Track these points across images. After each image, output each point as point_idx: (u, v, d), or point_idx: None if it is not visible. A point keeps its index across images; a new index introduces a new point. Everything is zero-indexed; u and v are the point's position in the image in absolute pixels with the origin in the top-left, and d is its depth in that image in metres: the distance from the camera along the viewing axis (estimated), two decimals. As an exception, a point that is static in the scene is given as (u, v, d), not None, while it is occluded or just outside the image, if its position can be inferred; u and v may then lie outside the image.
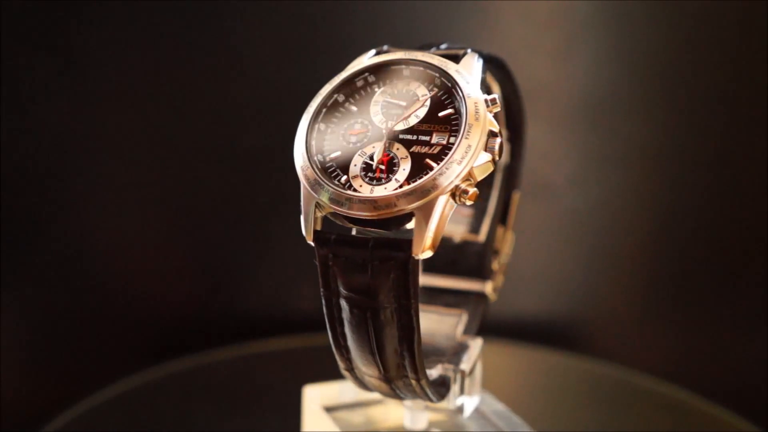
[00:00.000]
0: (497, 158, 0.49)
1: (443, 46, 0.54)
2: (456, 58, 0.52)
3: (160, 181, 0.90)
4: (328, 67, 0.56)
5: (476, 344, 0.61)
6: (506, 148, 0.65)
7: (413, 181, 0.48)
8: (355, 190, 0.49)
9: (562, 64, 0.90)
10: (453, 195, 0.48)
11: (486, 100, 0.49)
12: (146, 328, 0.91)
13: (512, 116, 0.64)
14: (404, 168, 0.49)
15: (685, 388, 0.83)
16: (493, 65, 0.58)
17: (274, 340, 0.88)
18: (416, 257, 0.48)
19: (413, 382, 0.53)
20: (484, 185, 0.65)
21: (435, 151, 0.49)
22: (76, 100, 0.85)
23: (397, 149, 0.50)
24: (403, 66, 0.53)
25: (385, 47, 0.55)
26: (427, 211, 0.48)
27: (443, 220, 0.48)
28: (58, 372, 0.85)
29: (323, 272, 0.50)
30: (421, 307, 0.64)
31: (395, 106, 0.52)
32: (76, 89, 0.85)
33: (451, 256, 0.66)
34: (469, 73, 0.51)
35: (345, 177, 0.50)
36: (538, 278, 0.94)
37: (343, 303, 0.51)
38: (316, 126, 0.53)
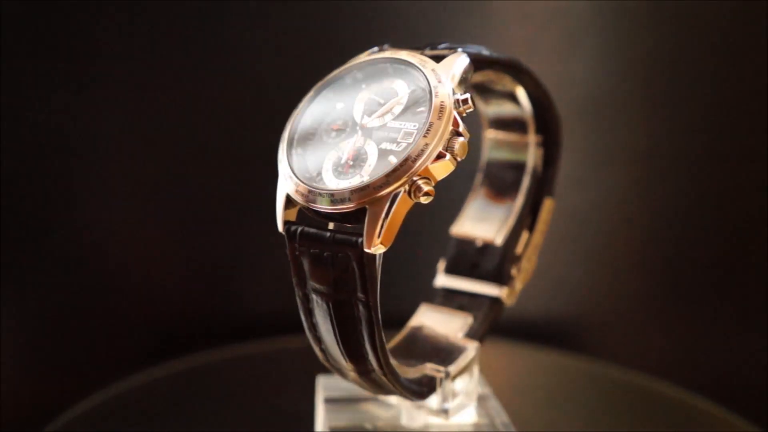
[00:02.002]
0: (458, 158, 0.49)
1: (441, 46, 0.55)
2: (441, 58, 0.53)
3: (160, 181, 0.90)
4: (330, 68, 0.56)
5: (471, 349, 0.61)
6: (538, 152, 0.65)
7: (372, 177, 0.49)
8: (323, 183, 0.51)
9: (561, 64, 0.90)
10: (409, 192, 0.48)
11: (457, 100, 0.50)
12: (146, 327, 0.91)
13: (542, 119, 0.64)
14: (370, 164, 0.50)
15: (685, 388, 0.83)
16: (507, 68, 0.59)
17: (274, 340, 0.88)
18: (368, 252, 0.48)
19: (381, 377, 0.54)
20: (509, 189, 0.66)
21: (400, 148, 0.50)
22: (76, 100, 0.85)
23: (369, 145, 0.51)
24: (388, 64, 0.54)
25: (386, 46, 0.56)
26: (378, 206, 0.48)
27: (396, 217, 0.48)
28: (58, 372, 0.85)
29: (294, 263, 0.52)
30: (431, 307, 0.65)
31: (376, 103, 0.53)
32: (77, 89, 0.85)
33: (472, 259, 0.66)
34: (445, 72, 0.51)
35: (318, 170, 0.52)
36: (538, 278, 0.94)
37: (312, 293, 0.52)
38: (304, 120, 0.54)
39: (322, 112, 0.54)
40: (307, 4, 0.88)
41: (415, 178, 0.48)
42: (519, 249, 0.66)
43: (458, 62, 0.52)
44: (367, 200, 0.48)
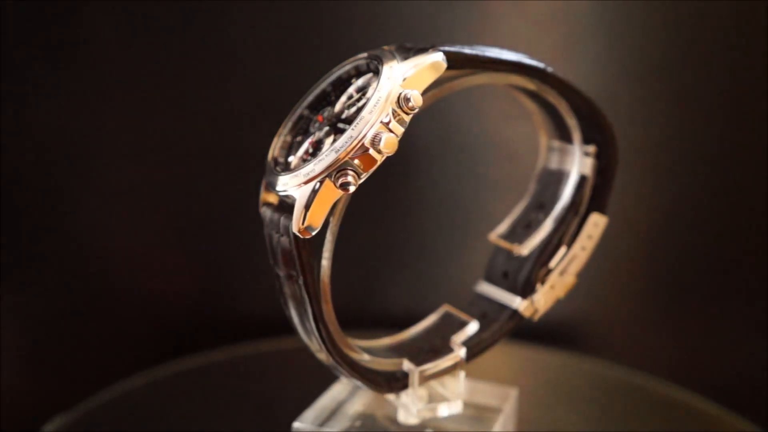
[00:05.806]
0: (384, 153, 0.50)
1: (444, 47, 0.54)
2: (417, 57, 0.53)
3: (160, 181, 0.90)
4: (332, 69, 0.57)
5: (457, 354, 0.61)
6: (587, 163, 0.63)
7: (304, 166, 0.51)
8: (289, 170, 0.53)
9: (562, 64, 0.90)
10: (334, 181, 0.50)
11: (399, 97, 0.50)
12: (147, 328, 0.91)
13: (587, 128, 0.62)
14: (324, 153, 0.51)
15: (685, 388, 0.83)
16: (519, 71, 0.58)
17: (274, 340, 0.88)
18: (294, 233, 0.51)
19: (329, 359, 0.56)
20: (550, 199, 0.64)
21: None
22: (76, 101, 0.85)
23: (330, 136, 0.53)
24: (370, 62, 0.55)
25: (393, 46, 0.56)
26: (304, 193, 0.50)
27: (319, 203, 0.50)
28: (58, 372, 0.85)
29: (267, 243, 0.55)
30: (451, 309, 0.65)
31: (352, 97, 0.54)
32: (77, 89, 0.85)
33: (503, 267, 0.65)
34: (403, 70, 0.51)
35: (292, 158, 0.54)
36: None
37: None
38: (299, 111, 0.56)
39: (317, 104, 0.56)
40: (313, 5, 0.88)
41: (347, 167, 0.49)
42: (552, 263, 0.64)
43: (421, 60, 0.52)
44: (297, 187, 0.51)
